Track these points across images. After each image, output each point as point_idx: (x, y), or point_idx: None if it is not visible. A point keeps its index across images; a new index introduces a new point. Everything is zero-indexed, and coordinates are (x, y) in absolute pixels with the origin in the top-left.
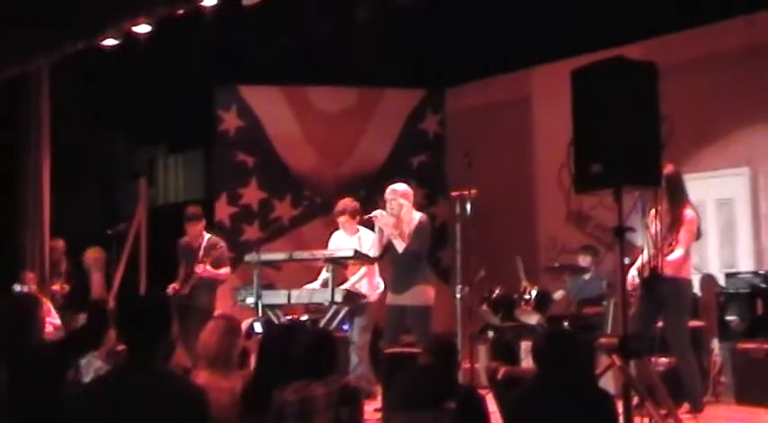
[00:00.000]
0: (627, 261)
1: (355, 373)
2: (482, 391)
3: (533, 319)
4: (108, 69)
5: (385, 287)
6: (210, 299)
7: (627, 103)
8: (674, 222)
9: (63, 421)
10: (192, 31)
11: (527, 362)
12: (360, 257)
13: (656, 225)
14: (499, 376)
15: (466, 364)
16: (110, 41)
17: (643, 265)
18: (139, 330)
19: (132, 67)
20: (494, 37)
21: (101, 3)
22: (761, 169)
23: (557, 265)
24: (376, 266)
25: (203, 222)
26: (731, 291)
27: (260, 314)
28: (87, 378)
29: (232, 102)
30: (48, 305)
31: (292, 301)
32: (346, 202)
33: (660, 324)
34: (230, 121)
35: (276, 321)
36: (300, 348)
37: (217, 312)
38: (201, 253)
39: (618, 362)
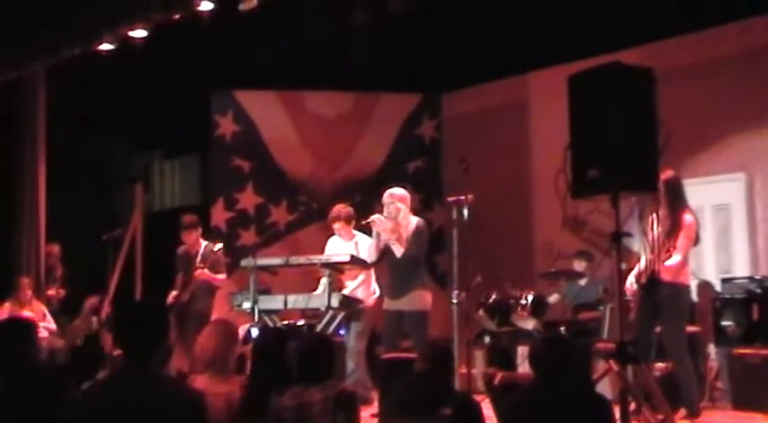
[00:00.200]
0: (624, 266)
1: (351, 378)
2: (479, 397)
3: (530, 324)
4: (104, 74)
5: (381, 293)
6: (209, 304)
7: (624, 108)
8: (672, 228)
9: None
10: (188, 36)
11: (524, 367)
12: (356, 262)
13: (654, 230)
14: (496, 382)
15: (463, 370)
16: (106, 46)
17: (641, 271)
18: (137, 335)
19: (128, 72)
20: (490, 42)
21: (97, 7)
22: (757, 174)
23: (553, 270)
24: (372, 272)
25: (199, 230)
26: (727, 296)
27: (256, 319)
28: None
29: (228, 107)
30: (43, 310)
31: (289, 306)
32: (340, 209)
33: (658, 329)
34: (226, 126)
35: (272, 326)
36: (297, 353)
37: (214, 317)
38: (199, 259)
39: (615, 367)
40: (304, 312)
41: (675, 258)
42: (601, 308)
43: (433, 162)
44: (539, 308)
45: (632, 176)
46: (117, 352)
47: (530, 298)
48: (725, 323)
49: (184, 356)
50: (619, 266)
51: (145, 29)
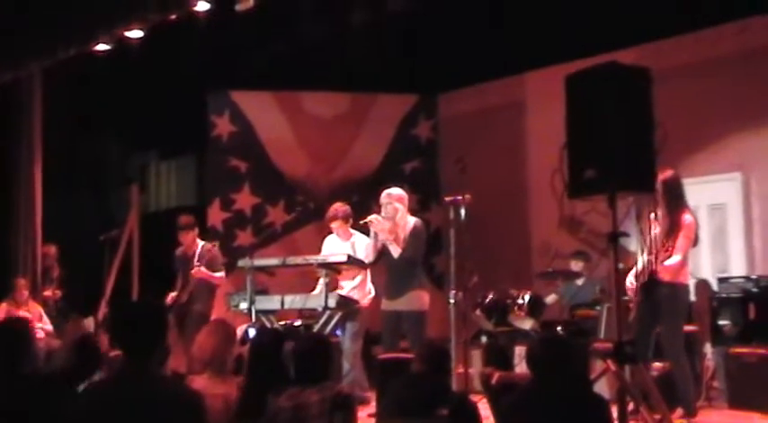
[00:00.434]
0: (621, 266)
1: (348, 378)
2: (476, 397)
3: (527, 324)
4: (101, 74)
5: (376, 293)
6: (209, 304)
7: (621, 108)
8: (672, 227)
9: None
10: (184, 36)
11: (521, 367)
12: (353, 263)
13: (653, 230)
14: (493, 382)
15: (460, 370)
16: (102, 46)
17: (640, 271)
18: (135, 336)
19: (125, 73)
20: (486, 42)
21: (94, 8)
22: (753, 174)
23: (550, 270)
24: (368, 272)
25: (196, 231)
26: (724, 295)
27: (253, 319)
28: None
29: (225, 107)
30: (40, 311)
31: (286, 306)
32: (337, 208)
33: (658, 330)
34: (223, 126)
35: (270, 327)
36: (294, 354)
37: (212, 318)
38: (196, 259)
39: (612, 367)
40: (301, 313)
41: (675, 258)
42: (598, 308)
43: (429, 162)
44: (536, 308)
45: (629, 176)
46: (113, 353)
47: (527, 298)
48: (721, 322)
49: (183, 357)
50: (616, 266)
51: (141, 29)
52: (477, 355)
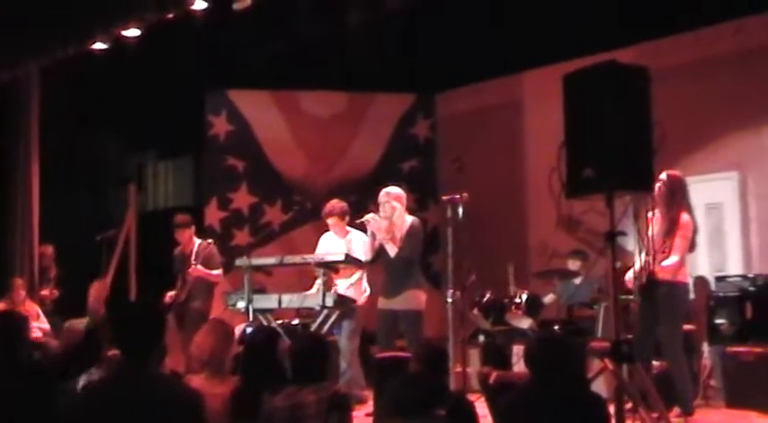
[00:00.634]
0: (618, 265)
1: (344, 377)
2: (474, 396)
3: (524, 323)
4: (98, 74)
5: (371, 291)
6: (207, 302)
7: (619, 107)
8: (670, 227)
9: None
10: (182, 35)
11: (518, 366)
12: (351, 262)
13: (651, 229)
14: (491, 381)
15: (458, 369)
16: (100, 46)
17: (639, 271)
18: (134, 335)
19: (122, 72)
20: (485, 41)
21: (91, 7)
22: (750, 173)
23: (547, 269)
24: (364, 270)
25: (192, 229)
26: (720, 294)
27: (251, 319)
28: (79, 383)
29: (222, 106)
30: (37, 310)
31: (283, 305)
32: (334, 204)
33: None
34: (220, 125)
35: (265, 326)
36: (291, 353)
37: (210, 317)
38: (193, 257)
39: (610, 366)
40: (298, 312)
41: (673, 259)
42: (595, 307)
43: (427, 162)
44: (533, 307)
45: (627, 176)
46: (111, 352)
47: (524, 297)
48: (718, 321)
49: (181, 356)
50: (613, 265)
51: (138, 28)
52: (474, 355)
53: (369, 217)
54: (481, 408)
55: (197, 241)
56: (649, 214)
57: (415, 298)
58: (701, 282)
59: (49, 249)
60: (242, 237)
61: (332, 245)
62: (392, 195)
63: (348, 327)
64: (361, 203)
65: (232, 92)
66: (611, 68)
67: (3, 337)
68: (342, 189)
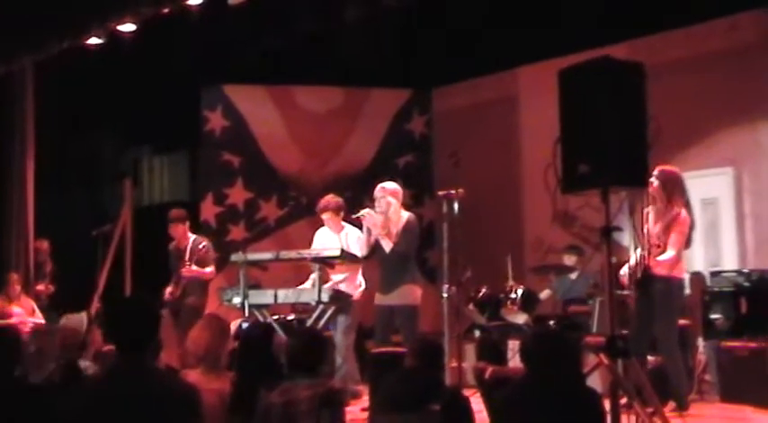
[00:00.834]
0: (614, 260)
1: (340, 372)
2: (469, 391)
3: (520, 318)
4: (93, 69)
5: (367, 286)
6: (201, 298)
7: (614, 103)
8: (667, 223)
9: None
10: (177, 30)
11: (514, 361)
12: (347, 257)
13: (647, 225)
14: (487, 376)
15: (453, 364)
16: (95, 41)
17: (636, 264)
18: (128, 330)
19: (117, 67)
20: (480, 37)
21: (86, 2)
22: (745, 169)
23: (543, 264)
24: (359, 266)
25: (186, 224)
26: (716, 289)
27: (246, 314)
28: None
29: (218, 102)
30: (32, 305)
31: (279, 300)
32: (329, 199)
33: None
34: (216, 120)
35: (260, 321)
36: (288, 348)
37: (206, 312)
38: (188, 255)
39: (605, 361)
40: (294, 307)
41: (669, 253)
42: (591, 302)
43: (423, 157)
44: (529, 302)
45: (622, 171)
46: (106, 348)
47: (520, 292)
48: (713, 316)
49: (176, 351)
50: (609, 261)
51: (134, 23)
52: (470, 350)
53: (364, 212)
54: (477, 403)
55: (191, 237)
56: (645, 210)
57: (411, 293)
58: (694, 277)
59: (45, 244)
60: (237, 232)
61: (327, 240)
62: (388, 190)
63: (343, 322)
64: (356, 199)
65: (228, 87)
66: (606, 64)
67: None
68: (337, 184)
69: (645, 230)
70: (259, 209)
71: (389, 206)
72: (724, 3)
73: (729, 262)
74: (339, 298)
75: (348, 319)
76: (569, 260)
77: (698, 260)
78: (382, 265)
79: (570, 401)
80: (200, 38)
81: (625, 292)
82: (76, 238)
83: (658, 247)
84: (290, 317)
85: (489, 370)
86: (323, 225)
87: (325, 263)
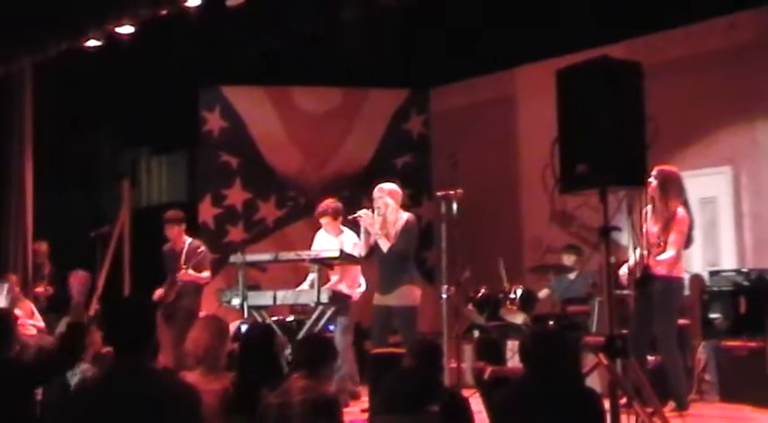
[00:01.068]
0: (613, 260)
1: (339, 373)
2: (468, 391)
3: (519, 318)
4: (91, 70)
5: (367, 287)
6: (195, 301)
7: (612, 102)
8: (666, 222)
9: None
10: (175, 31)
11: (513, 361)
12: (346, 258)
13: (646, 224)
14: (486, 376)
15: (452, 364)
16: (93, 42)
17: (635, 264)
18: (125, 331)
19: (116, 68)
20: (478, 37)
21: (84, 3)
22: (743, 168)
23: (542, 264)
24: (358, 267)
25: (181, 226)
26: (714, 289)
27: (245, 315)
28: (73, 380)
29: (216, 102)
30: (31, 307)
31: (278, 302)
32: (328, 203)
33: None
34: (214, 121)
35: (258, 322)
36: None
37: (202, 313)
38: (183, 258)
39: (604, 361)
40: (293, 308)
41: (669, 253)
42: (590, 302)
43: (421, 157)
44: (528, 302)
45: (620, 171)
46: (105, 349)
47: (518, 292)
48: (712, 316)
49: (170, 353)
50: (608, 260)
51: (132, 25)
52: (469, 350)
53: (361, 213)
54: (476, 403)
55: (187, 240)
56: (644, 209)
57: (410, 294)
58: (693, 277)
59: (43, 246)
60: (236, 233)
61: (325, 244)
62: (385, 191)
63: (342, 322)
64: (354, 199)
65: (226, 88)
66: (604, 64)
67: None
68: (335, 185)
69: (644, 230)
70: (257, 210)
71: (387, 207)
72: (722, 2)
73: (728, 261)
74: (338, 299)
75: (345, 319)
76: (568, 260)
77: (696, 259)
78: (381, 266)
79: (569, 401)
80: (198, 39)
81: (624, 292)
82: (75, 239)
83: (658, 246)
84: (290, 318)
85: (488, 370)
86: (321, 227)
87: (324, 264)
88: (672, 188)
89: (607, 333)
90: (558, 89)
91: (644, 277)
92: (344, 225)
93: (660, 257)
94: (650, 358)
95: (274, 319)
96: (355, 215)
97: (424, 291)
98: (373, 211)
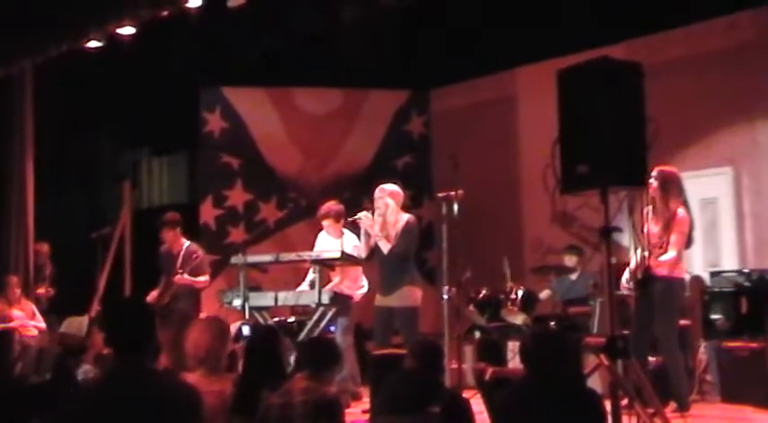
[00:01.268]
0: (614, 261)
1: (340, 374)
2: (469, 392)
3: (520, 319)
4: (92, 71)
5: (369, 288)
6: (191, 304)
7: (613, 103)
8: (667, 223)
9: None
10: (176, 32)
11: (514, 362)
12: (347, 259)
13: (647, 225)
14: (487, 377)
15: (453, 365)
16: (94, 43)
17: (636, 266)
18: (125, 332)
19: (116, 69)
20: (478, 37)
21: (85, 4)
22: (744, 169)
23: (543, 265)
24: (360, 267)
25: (177, 229)
26: (715, 290)
27: (247, 316)
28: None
29: (216, 103)
30: (32, 308)
31: (279, 303)
32: (330, 206)
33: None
34: (215, 122)
35: (263, 324)
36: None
37: (203, 315)
38: (180, 261)
39: (605, 361)
40: (294, 309)
41: (670, 254)
42: (591, 302)
43: (422, 158)
44: (528, 303)
45: (621, 171)
46: (106, 351)
47: (520, 293)
48: (713, 317)
49: (167, 356)
50: (609, 261)
51: (133, 26)
52: (470, 351)
53: (361, 215)
54: (477, 404)
55: (185, 243)
56: (645, 210)
57: (410, 295)
58: (694, 278)
59: (45, 247)
60: (237, 234)
61: (328, 245)
62: (387, 191)
63: (342, 323)
64: (355, 200)
65: (226, 89)
66: (605, 64)
67: None
68: (336, 186)
69: (645, 231)
70: (258, 210)
71: (387, 207)
72: (722, 2)
73: (729, 262)
74: (339, 300)
75: (346, 320)
76: (570, 261)
77: (697, 260)
78: (381, 267)
79: (570, 402)
80: (199, 40)
81: (625, 293)
82: (76, 240)
83: (660, 247)
84: (291, 319)
85: (489, 371)
86: (322, 229)
87: (326, 265)
88: (672, 188)
89: (608, 334)
90: (558, 90)
91: (645, 278)
92: (346, 227)
93: (661, 258)
94: (651, 359)
95: (275, 320)
96: (355, 217)
97: (425, 292)
98: (373, 214)
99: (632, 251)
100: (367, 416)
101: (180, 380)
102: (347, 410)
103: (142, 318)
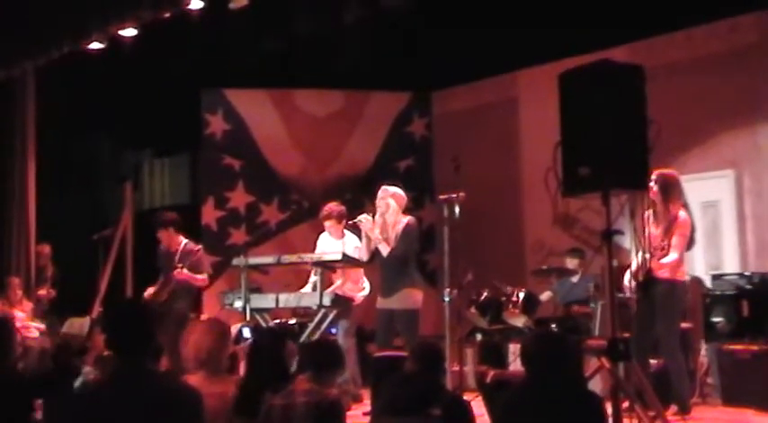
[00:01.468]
0: (615, 263)
1: (342, 376)
2: (470, 395)
3: (521, 321)
4: (94, 73)
5: (371, 290)
6: (188, 304)
7: (614, 106)
8: (668, 225)
9: None
10: (178, 34)
11: (515, 364)
12: (348, 261)
13: (648, 227)
14: (488, 380)
15: (454, 368)
16: (96, 45)
17: (638, 269)
18: (126, 334)
19: (118, 71)
20: (480, 40)
21: (87, 6)
22: (745, 171)
23: (544, 267)
24: (361, 269)
25: (171, 229)
26: (717, 292)
27: (248, 318)
28: (76, 383)
29: (218, 105)
30: (33, 309)
31: (280, 304)
32: (332, 207)
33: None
34: (217, 124)
35: (264, 326)
36: (302, 354)
37: (204, 316)
38: (178, 258)
39: (606, 364)
40: (295, 311)
41: (672, 256)
42: (592, 305)
43: (423, 160)
44: (530, 305)
45: (623, 174)
46: (107, 352)
47: (521, 295)
48: (715, 319)
49: (165, 357)
50: (610, 264)
51: (134, 27)
52: (471, 353)
53: (361, 218)
54: (478, 407)
55: (183, 241)
56: (646, 213)
57: (411, 297)
58: (695, 281)
59: (46, 248)
60: (238, 236)
61: (328, 246)
62: (389, 192)
63: (344, 325)
64: (356, 202)
65: (228, 90)
66: (606, 67)
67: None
68: (338, 187)
69: (646, 233)
70: (260, 212)
71: (388, 208)
72: (725, 5)
73: (730, 265)
74: (340, 302)
75: (347, 322)
76: (572, 263)
77: (699, 263)
78: (382, 270)
79: (571, 405)
80: (201, 41)
81: (627, 295)
82: (77, 241)
83: (662, 249)
84: (292, 321)
85: (490, 373)
86: (324, 230)
87: (327, 267)
88: (672, 191)
89: (609, 336)
90: (560, 92)
91: (646, 280)
92: (347, 229)
93: (663, 261)
94: (653, 361)
95: (276, 321)
96: (355, 220)
97: (426, 294)
98: (373, 216)
99: (633, 254)
100: (368, 418)
101: (181, 382)
102: (348, 412)
103: (143, 320)
